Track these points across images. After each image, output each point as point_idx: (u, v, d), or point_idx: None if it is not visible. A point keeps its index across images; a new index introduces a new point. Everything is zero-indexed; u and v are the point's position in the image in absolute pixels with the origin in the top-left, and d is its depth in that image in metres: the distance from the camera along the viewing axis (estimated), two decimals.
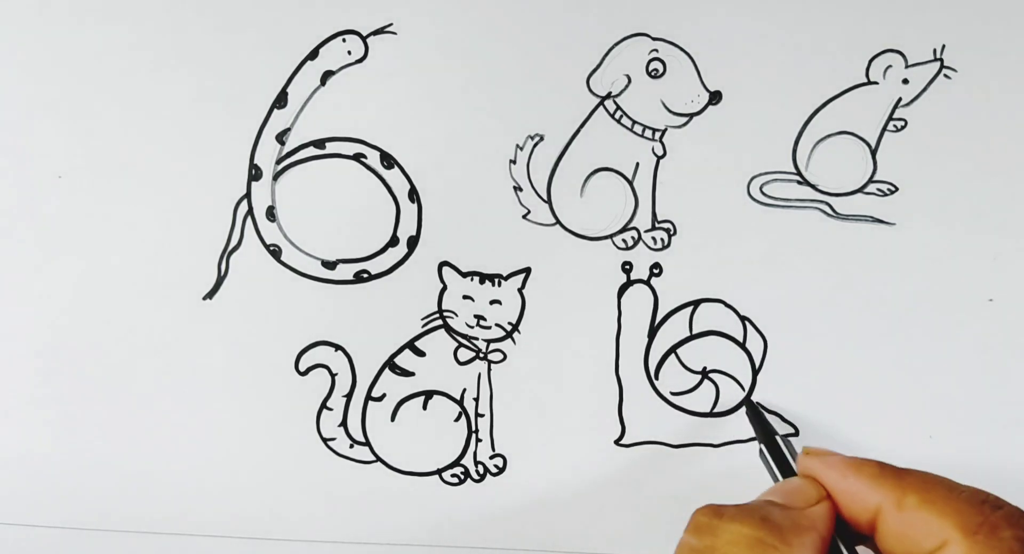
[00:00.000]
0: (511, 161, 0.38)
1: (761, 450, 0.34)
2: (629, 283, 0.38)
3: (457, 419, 0.39)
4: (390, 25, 0.38)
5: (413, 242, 0.38)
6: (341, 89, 0.38)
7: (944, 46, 0.37)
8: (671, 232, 0.38)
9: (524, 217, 0.38)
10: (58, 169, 0.39)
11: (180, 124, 0.38)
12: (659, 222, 0.38)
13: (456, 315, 0.39)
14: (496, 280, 0.38)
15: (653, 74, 0.38)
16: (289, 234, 0.39)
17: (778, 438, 0.34)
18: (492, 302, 0.38)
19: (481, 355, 0.39)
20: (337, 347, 0.39)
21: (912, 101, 0.37)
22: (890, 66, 0.37)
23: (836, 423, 0.38)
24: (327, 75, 0.38)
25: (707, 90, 0.38)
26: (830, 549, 0.28)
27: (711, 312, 0.38)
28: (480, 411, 0.39)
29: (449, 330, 0.39)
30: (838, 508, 0.29)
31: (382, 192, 0.38)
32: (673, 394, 0.38)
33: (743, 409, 0.38)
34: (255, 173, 0.38)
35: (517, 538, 0.39)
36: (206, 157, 0.38)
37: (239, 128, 0.38)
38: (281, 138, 0.38)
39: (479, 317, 0.39)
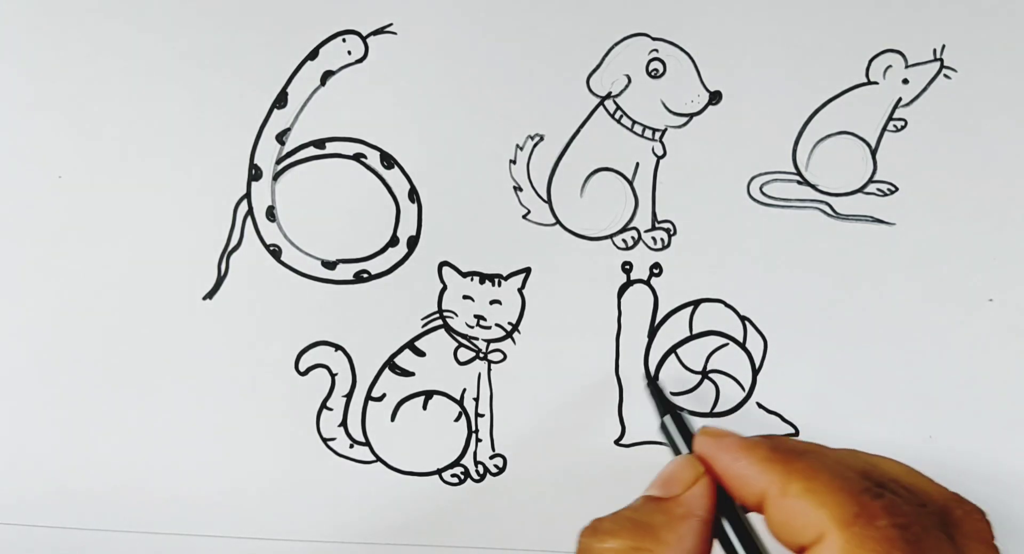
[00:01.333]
0: (511, 161, 0.38)
1: (662, 426, 0.34)
2: (629, 283, 0.38)
3: (457, 419, 0.39)
4: (390, 25, 0.38)
5: (413, 242, 0.38)
6: (341, 89, 0.38)
7: (944, 46, 0.37)
8: (671, 232, 0.38)
9: (524, 217, 0.38)
10: (58, 169, 0.39)
11: (180, 124, 0.38)
12: (659, 222, 0.38)
13: (456, 315, 0.39)
14: (496, 280, 0.38)
15: (653, 74, 0.38)
16: (289, 234, 0.39)
17: (666, 418, 0.34)
18: (492, 302, 0.38)
19: (481, 355, 0.39)
20: (337, 347, 0.39)
21: (912, 101, 0.37)
22: (890, 66, 0.37)
23: (836, 423, 0.38)
24: (327, 75, 0.38)
25: (707, 90, 0.38)
26: (716, 527, 0.28)
27: (711, 312, 0.38)
28: (480, 411, 0.39)
29: (449, 330, 0.39)
30: (730, 490, 0.28)
31: (382, 192, 0.38)
32: (673, 394, 0.38)
33: (743, 409, 0.38)
34: (255, 173, 0.38)
35: (517, 538, 0.39)
36: (206, 157, 0.38)
37: (239, 128, 0.38)
38: (281, 138, 0.38)
39: (479, 317, 0.39)
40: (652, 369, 0.38)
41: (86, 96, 0.38)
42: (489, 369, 0.39)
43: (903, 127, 0.37)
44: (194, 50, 0.38)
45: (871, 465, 0.28)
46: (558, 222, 0.38)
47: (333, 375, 0.39)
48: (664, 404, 0.35)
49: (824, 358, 0.38)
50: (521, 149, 0.38)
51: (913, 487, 0.27)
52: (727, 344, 0.38)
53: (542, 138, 0.38)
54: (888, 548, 0.23)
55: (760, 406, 0.38)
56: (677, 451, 0.33)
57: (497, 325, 0.39)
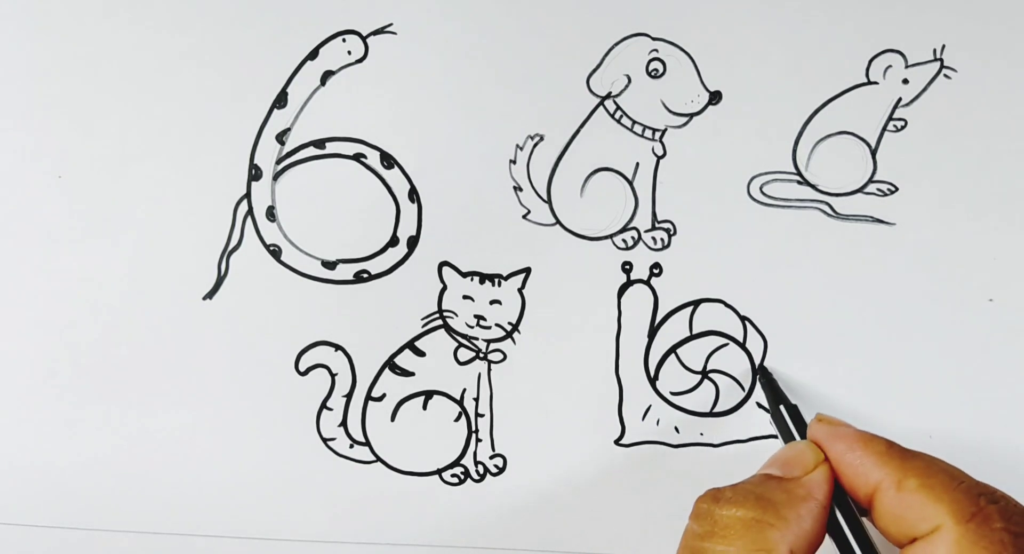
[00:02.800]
0: (511, 161, 0.38)
1: (775, 413, 0.35)
2: (629, 283, 0.38)
3: (457, 419, 0.39)
4: (390, 25, 0.38)
5: (413, 242, 0.38)
6: (341, 89, 0.38)
7: (944, 46, 0.37)
8: (671, 232, 0.38)
9: (524, 217, 0.38)
10: (58, 169, 0.39)
11: (180, 124, 0.38)
12: (659, 222, 0.38)
13: (456, 315, 0.39)
14: (496, 280, 0.38)
15: (653, 74, 0.38)
16: (289, 234, 0.39)
17: (782, 407, 0.35)
18: (492, 302, 0.38)
19: (481, 355, 0.39)
20: (337, 347, 0.39)
21: (912, 101, 0.37)
22: (890, 66, 0.37)
23: None
24: (327, 75, 0.38)
25: (707, 90, 0.38)
26: (831, 515, 0.29)
27: (711, 312, 0.38)
28: (480, 411, 0.39)
29: (449, 330, 0.39)
30: (840, 479, 0.29)
31: (382, 192, 0.38)
32: (673, 394, 0.38)
33: (743, 408, 0.38)
34: (255, 173, 0.38)
35: (517, 538, 0.39)
36: (206, 157, 0.38)
37: (239, 128, 0.38)
38: (281, 138, 0.38)
39: (479, 317, 0.39)
40: (653, 369, 0.38)
41: (86, 96, 0.38)
42: (489, 369, 0.39)
43: (903, 127, 0.37)
44: (194, 50, 0.38)
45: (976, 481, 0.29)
46: (558, 222, 0.38)
47: (333, 375, 0.39)
48: (776, 395, 0.36)
49: (824, 358, 0.38)
50: (521, 149, 0.38)
51: (1013, 503, 0.27)
52: (727, 344, 0.38)
53: (542, 138, 0.38)
54: (1000, 550, 0.25)
55: (760, 406, 0.38)
56: (789, 437, 0.33)
57: (497, 325, 0.39)
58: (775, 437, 0.37)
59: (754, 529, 0.27)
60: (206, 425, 0.39)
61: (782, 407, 0.35)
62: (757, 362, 0.38)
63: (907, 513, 0.27)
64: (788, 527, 0.27)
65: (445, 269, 0.38)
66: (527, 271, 0.38)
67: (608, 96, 0.38)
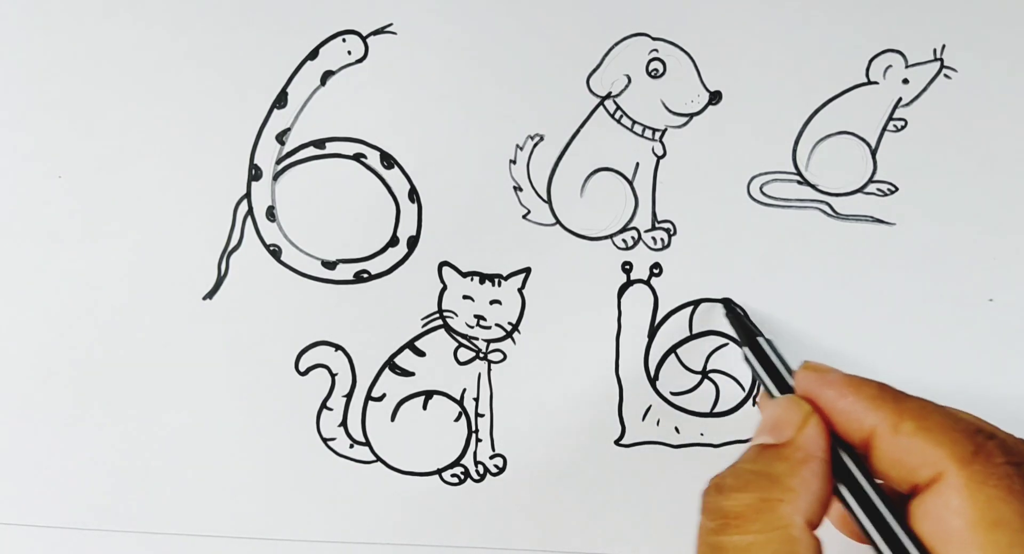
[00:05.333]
0: (511, 161, 0.38)
1: (745, 355, 0.33)
2: (629, 283, 0.38)
3: (457, 419, 0.39)
4: (390, 25, 0.38)
5: (413, 242, 0.38)
6: (341, 89, 0.38)
7: (944, 46, 0.37)
8: (671, 232, 0.38)
9: (524, 217, 0.38)
10: (58, 169, 0.39)
11: (180, 124, 0.38)
12: (659, 222, 0.38)
13: (456, 315, 0.39)
14: (496, 280, 0.38)
15: (653, 74, 0.38)
16: (289, 234, 0.39)
17: (761, 340, 0.33)
18: (492, 302, 0.38)
19: (481, 355, 0.39)
20: (337, 347, 0.39)
21: (912, 101, 0.37)
22: (890, 66, 0.37)
23: None
24: (327, 75, 0.38)
25: (707, 90, 0.38)
26: (835, 464, 0.28)
27: (711, 312, 0.38)
28: (480, 411, 0.39)
29: (449, 330, 0.39)
30: (832, 426, 0.28)
31: (382, 192, 0.38)
32: (673, 394, 0.38)
33: (743, 409, 0.38)
34: (255, 173, 0.38)
35: (517, 538, 0.39)
36: (206, 157, 0.38)
37: (239, 128, 0.38)
38: (281, 138, 0.38)
39: (479, 317, 0.39)
40: (653, 369, 0.38)
41: (86, 96, 0.38)
42: (489, 369, 0.39)
43: (903, 127, 0.37)
44: (194, 50, 0.38)
45: (972, 416, 0.28)
46: (558, 222, 0.38)
47: (333, 375, 0.39)
48: (746, 331, 0.34)
49: (824, 358, 0.38)
50: (521, 149, 0.38)
51: (1008, 436, 0.27)
52: (727, 344, 0.38)
53: (542, 138, 0.38)
54: (1009, 484, 0.24)
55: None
56: (772, 385, 0.32)
57: (497, 325, 0.39)
58: None
59: (765, 510, 0.26)
60: (206, 425, 0.39)
61: (761, 340, 0.33)
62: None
63: (906, 457, 0.26)
64: (797, 497, 0.26)
65: (445, 269, 0.38)
66: (527, 271, 0.38)
67: (608, 96, 0.38)
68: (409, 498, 0.39)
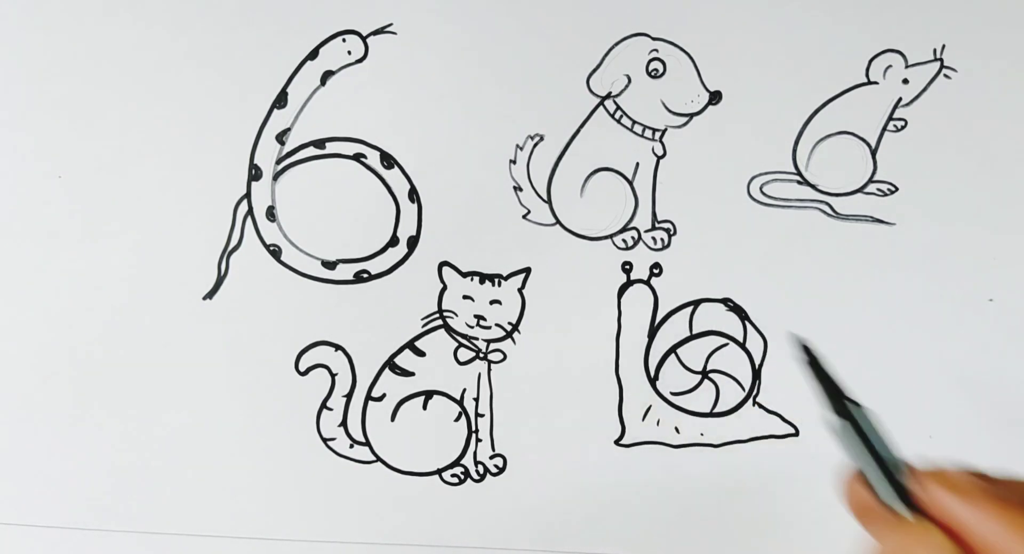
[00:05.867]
0: (511, 161, 0.38)
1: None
2: (629, 283, 0.38)
3: (457, 419, 0.39)
4: (390, 25, 0.38)
5: (413, 242, 0.38)
6: (341, 89, 0.38)
7: (944, 46, 0.37)
8: (671, 232, 0.38)
9: (524, 217, 0.38)
10: (58, 169, 0.39)
11: (180, 124, 0.38)
12: (659, 222, 0.38)
13: (456, 315, 0.39)
14: (496, 280, 0.38)
15: (653, 74, 0.38)
16: (289, 234, 0.39)
17: (860, 412, 0.26)
18: (492, 302, 0.38)
19: (481, 355, 0.39)
20: (337, 347, 0.39)
21: (912, 101, 0.37)
22: (890, 66, 0.37)
23: None
24: (327, 75, 0.38)
25: (707, 90, 0.38)
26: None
27: (711, 312, 0.38)
28: (480, 411, 0.39)
29: (449, 330, 0.39)
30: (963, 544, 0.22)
31: (382, 192, 0.38)
32: (673, 394, 0.38)
33: (744, 408, 0.38)
34: (255, 173, 0.38)
35: (517, 538, 0.39)
36: (206, 157, 0.38)
37: (239, 128, 0.38)
38: (281, 138, 0.38)
39: (479, 317, 0.39)
40: (653, 369, 0.38)
41: (86, 96, 0.38)
42: (489, 369, 0.39)
43: (903, 127, 0.37)
44: (194, 50, 0.38)
45: None
46: (558, 222, 0.38)
47: (333, 375, 0.39)
48: (837, 397, 0.26)
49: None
50: (521, 149, 0.38)
51: None
52: (727, 344, 0.38)
53: (542, 138, 0.38)
54: None
55: (760, 406, 0.38)
56: (896, 502, 0.25)
57: (497, 325, 0.39)
58: (776, 437, 0.37)
59: None
60: (206, 425, 0.39)
61: (859, 412, 0.26)
62: (757, 362, 0.38)
63: None
64: None
65: (445, 269, 0.38)
66: (527, 271, 0.38)
67: (608, 96, 0.38)
68: (409, 498, 0.39)
